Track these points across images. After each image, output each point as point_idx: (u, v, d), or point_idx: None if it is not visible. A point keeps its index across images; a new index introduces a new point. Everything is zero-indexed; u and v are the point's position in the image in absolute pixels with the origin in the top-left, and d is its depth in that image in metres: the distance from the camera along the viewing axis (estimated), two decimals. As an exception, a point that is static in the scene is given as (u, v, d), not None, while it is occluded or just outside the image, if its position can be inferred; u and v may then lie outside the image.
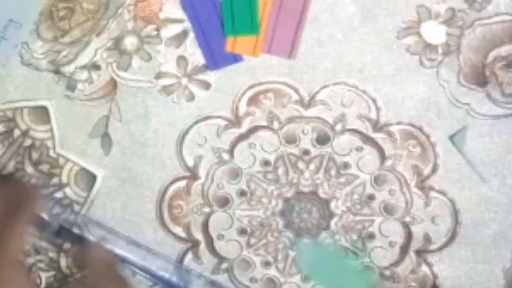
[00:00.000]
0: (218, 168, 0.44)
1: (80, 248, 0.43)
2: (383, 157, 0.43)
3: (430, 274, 0.43)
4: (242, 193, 0.44)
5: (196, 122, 0.44)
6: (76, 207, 0.44)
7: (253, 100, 0.44)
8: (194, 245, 0.44)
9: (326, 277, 0.43)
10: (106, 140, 0.44)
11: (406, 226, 0.43)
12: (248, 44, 0.44)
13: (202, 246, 0.44)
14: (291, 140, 0.44)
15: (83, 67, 0.44)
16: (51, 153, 0.44)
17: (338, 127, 0.44)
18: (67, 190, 0.44)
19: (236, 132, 0.44)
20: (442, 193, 0.43)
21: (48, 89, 0.44)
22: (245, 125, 0.44)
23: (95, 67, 0.44)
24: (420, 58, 0.44)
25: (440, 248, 0.43)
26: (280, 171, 0.43)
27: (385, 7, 0.44)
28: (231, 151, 0.44)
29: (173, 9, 0.45)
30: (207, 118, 0.44)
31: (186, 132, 0.44)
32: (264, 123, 0.44)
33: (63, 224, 0.43)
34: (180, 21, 0.45)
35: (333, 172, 0.43)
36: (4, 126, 0.44)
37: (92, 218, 0.44)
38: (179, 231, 0.44)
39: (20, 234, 0.33)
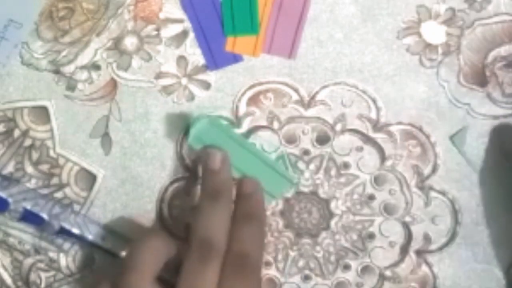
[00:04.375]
0: (218, 168, 0.44)
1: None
2: (383, 157, 0.43)
3: (430, 274, 0.43)
4: (242, 193, 0.44)
5: (196, 122, 0.44)
6: (76, 207, 0.44)
7: (253, 100, 0.44)
8: (194, 245, 0.44)
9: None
10: (106, 140, 0.44)
11: (406, 226, 0.43)
12: (248, 44, 0.44)
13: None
14: (291, 140, 0.44)
15: (83, 67, 0.44)
16: (51, 153, 0.44)
17: (338, 127, 0.44)
18: (67, 190, 0.44)
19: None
20: (442, 193, 0.43)
21: (48, 89, 0.44)
22: (245, 125, 0.44)
23: (95, 67, 0.44)
24: (420, 58, 0.44)
25: (440, 248, 0.43)
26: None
27: (385, 7, 0.44)
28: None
29: (173, 9, 0.45)
30: (207, 118, 0.44)
31: (186, 132, 0.44)
32: (264, 123, 0.44)
33: (63, 224, 0.43)
34: (180, 21, 0.45)
35: (333, 172, 0.43)
36: (4, 126, 0.44)
37: (92, 218, 0.44)
38: (179, 231, 0.44)
39: None
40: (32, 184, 0.44)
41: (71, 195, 0.44)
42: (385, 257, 0.43)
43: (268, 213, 0.43)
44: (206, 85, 0.44)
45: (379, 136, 0.43)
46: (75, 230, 0.43)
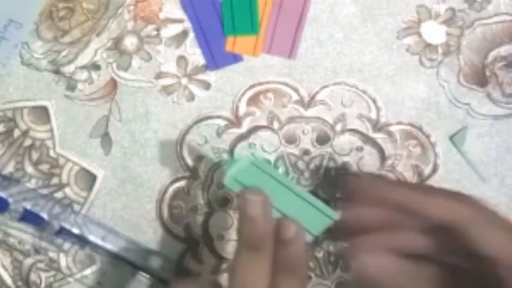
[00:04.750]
0: (218, 168, 0.44)
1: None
2: (383, 157, 0.43)
3: (430, 274, 0.43)
4: (242, 193, 0.44)
5: (196, 122, 0.44)
6: (76, 207, 0.44)
7: (253, 100, 0.44)
8: (194, 245, 0.44)
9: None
10: (106, 140, 0.44)
11: (406, 226, 0.43)
12: (248, 44, 0.44)
13: (202, 246, 0.44)
14: (291, 140, 0.44)
15: (83, 67, 0.44)
16: (51, 153, 0.44)
17: (338, 127, 0.44)
18: (67, 190, 0.44)
19: (236, 132, 0.44)
20: (442, 193, 0.43)
21: (48, 89, 0.44)
22: (245, 125, 0.44)
23: (95, 67, 0.44)
24: (420, 58, 0.44)
25: (440, 248, 0.43)
26: (280, 171, 0.43)
27: (385, 7, 0.44)
28: (231, 151, 0.44)
29: (173, 9, 0.45)
30: (207, 118, 0.44)
31: (186, 132, 0.44)
32: (264, 123, 0.44)
33: (63, 224, 0.43)
34: (180, 21, 0.45)
35: (333, 172, 0.43)
36: (4, 126, 0.44)
37: (92, 218, 0.44)
38: (179, 231, 0.44)
39: None
40: (32, 184, 0.44)
41: (71, 195, 0.44)
42: (385, 257, 0.43)
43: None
44: (206, 85, 0.44)
45: (379, 136, 0.43)
46: (75, 230, 0.43)
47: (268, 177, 0.35)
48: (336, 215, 0.34)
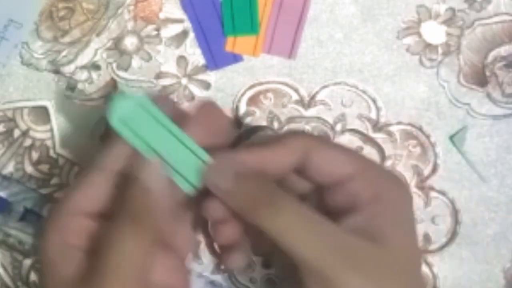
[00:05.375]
0: (218, 168, 0.44)
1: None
2: (383, 157, 0.43)
3: (430, 274, 0.43)
4: (242, 193, 0.44)
5: (196, 122, 0.44)
6: (76, 207, 0.44)
7: (253, 100, 0.44)
8: (193, 245, 0.44)
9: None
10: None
11: (406, 226, 0.43)
12: (248, 44, 0.44)
13: (202, 246, 0.44)
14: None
15: (83, 67, 0.44)
16: (51, 153, 0.44)
17: (338, 127, 0.44)
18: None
19: (236, 132, 0.44)
20: (442, 193, 0.43)
21: (48, 89, 0.44)
22: (245, 125, 0.44)
23: (95, 67, 0.44)
24: (420, 58, 0.44)
25: (440, 248, 0.43)
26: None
27: (385, 7, 0.44)
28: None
29: (173, 9, 0.45)
30: (207, 118, 0.44)
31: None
32: (264, 123, 0.44)
33: (27, 206, 0.43)
34: (180, 21, 0.45)
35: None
36: (4, 126, 0.44)
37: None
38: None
39: None
40: (32, 184, 0.44)
41: (71, 195, 0.44)
42: (385, 257, 0.43)
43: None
44: (206, 85, 0.44)
45: (379, 136, 0.43)
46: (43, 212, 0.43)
47: (152, 119, 0.34)
48: (208, 158, 0.34)
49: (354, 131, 0.44)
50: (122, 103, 0.34)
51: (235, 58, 0.44)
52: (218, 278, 0.43)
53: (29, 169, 0.44)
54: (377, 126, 0.44)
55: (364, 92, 0.44)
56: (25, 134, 0.44)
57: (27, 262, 0.44)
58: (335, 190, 0.34)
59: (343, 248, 0.31)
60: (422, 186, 0.43)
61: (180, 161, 0.34)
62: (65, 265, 0.32)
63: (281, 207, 0.32)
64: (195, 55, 0.44)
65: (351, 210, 0.33)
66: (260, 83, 0.44)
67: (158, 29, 0.44)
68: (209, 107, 0.36)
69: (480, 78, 0.44)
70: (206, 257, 0.44)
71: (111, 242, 0.31)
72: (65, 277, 0.31)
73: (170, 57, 0.44)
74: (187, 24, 0.44)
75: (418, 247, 0.40)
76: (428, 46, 0.44)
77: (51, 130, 0.44)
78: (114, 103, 0.34)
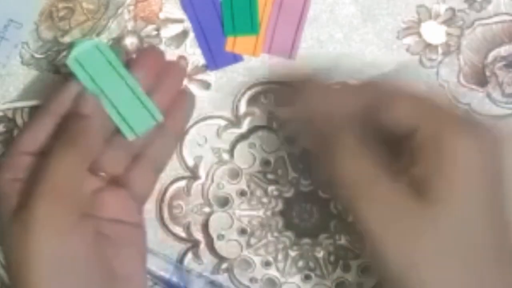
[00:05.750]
0: (218, 168, 0.44)
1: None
2: (383, 157, 0.43)
3: None
4: (242, 193, 0.44)
5: (196, 122, 0.44)
6: (76, 207, 0.44)
7: (253, 100, 0.44)
8: (194, 245, 0.44)
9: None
10: (106, 140, 0.44)
11: (406, 226, 0.43)
12: (248, 44, 0.44)
13: (202, 246, 0.44)
14: (291, 140, 0.44)
15: (83, 67, 0.44)
16: (51, 153, 0.44)
17: (338, 127, 0.44)
18: (67, 190, 0.44)
19: (236, 132, 0.44)
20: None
21: (48, 89, 0.44)
22: (245, 125, 0.44)
23: (95, 67, 0.44)
24: (420, 58, 0.44)
25: (440, 248, 0.43)
26: (280, 171, 0.43)
27: (385, 7, 0.44)
28: (231, 151, 0.44)
29: (173, 9, 0.45)
30: (207, 118, 0.44)
31: (186, 132, 0.44)
32: (264, 123, 0.44)
33: None
34: (180, 21, 0.45)
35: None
36: (4, 126, 0.44)
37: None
38: (179, 231, 0.44)
39: None
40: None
41: (71, 195, 0.44)
42: (385, 257, 0.43)
43: (268, 213, 0.44)
44: (206, 85, 0.44)
45: (379, 136, 0.43)
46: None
47: (108, 64, 0.37)
48: (161, 117, 0.36)
49: (354, 131, 0.43)
50: (80, 45, 0.38)
51: (235, 58, 0.44)
52: (218, 278, 0.43)
53: (29, 169, 0.44)
54: (377, 126, 0.43)
55: (364, 92, 0.44)
56: (25, 134, 0.44)
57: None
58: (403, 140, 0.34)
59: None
60: (422, 186, 0.43)
61: (127, 106, 0.37)
62: (15, 197, 0.35)
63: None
64: (195, 55, 0.44)
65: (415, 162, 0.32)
66: (260, 83, 0.44)
67: (158, 29, 0.44)
68: (150, 51, 0.42)
69: (480, 78, 0.44)
70: (206, 257, 0.44)
71: (48, 159, 0.35)
72: (13, 205, 0.35)
73: (170, 57, 0.44)
74: (187, 24, 0.44)
75: (502, 212, 0.33)
76: (428, 46, 0.44)
77: (51, 130, 0.44)
78: (74, 44, 0.38)
